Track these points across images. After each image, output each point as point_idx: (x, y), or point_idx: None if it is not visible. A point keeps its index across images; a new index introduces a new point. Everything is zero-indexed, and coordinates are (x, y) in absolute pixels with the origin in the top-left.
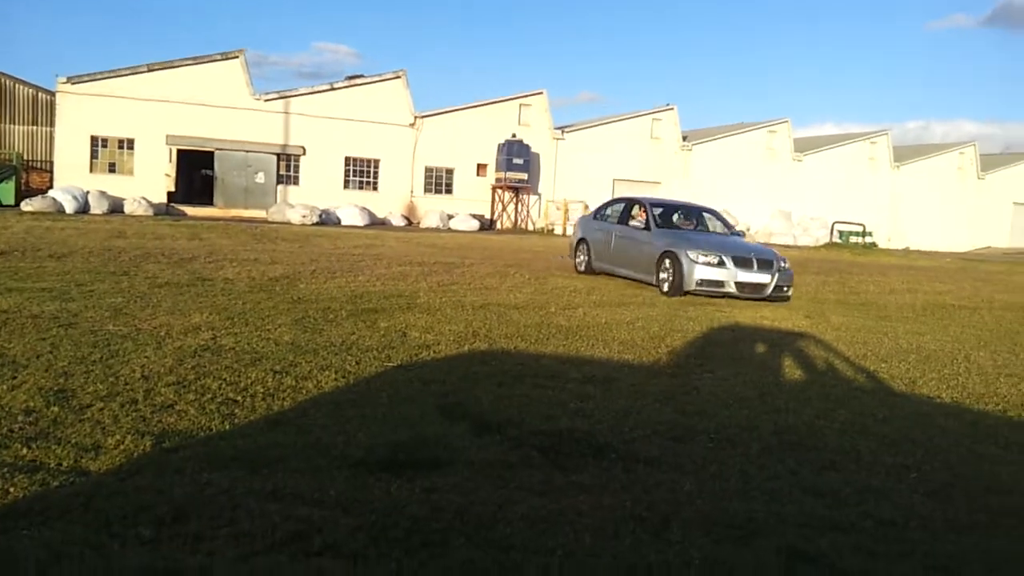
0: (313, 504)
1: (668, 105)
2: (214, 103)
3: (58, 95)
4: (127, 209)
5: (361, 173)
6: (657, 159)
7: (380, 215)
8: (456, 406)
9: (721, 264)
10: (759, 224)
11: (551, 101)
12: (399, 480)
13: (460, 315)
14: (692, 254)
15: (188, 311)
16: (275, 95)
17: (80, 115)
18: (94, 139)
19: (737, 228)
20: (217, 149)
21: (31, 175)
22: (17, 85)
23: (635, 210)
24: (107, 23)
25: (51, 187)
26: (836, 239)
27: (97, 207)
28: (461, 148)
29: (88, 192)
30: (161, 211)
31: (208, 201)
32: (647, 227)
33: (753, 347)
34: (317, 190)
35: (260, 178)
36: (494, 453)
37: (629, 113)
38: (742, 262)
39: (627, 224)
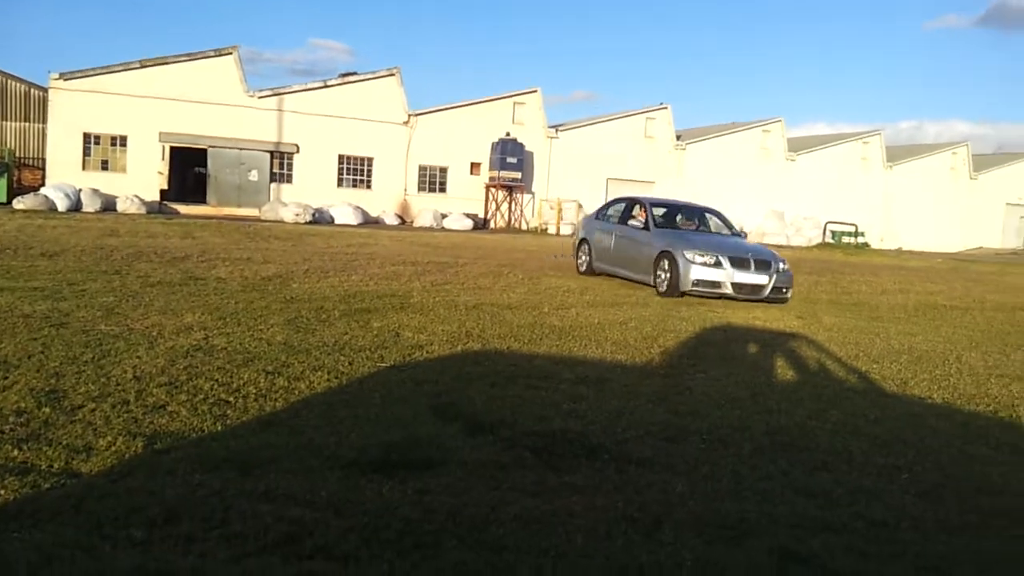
0: (305, 505)
1: (662, 104)
2: (207, 100)
3: (50, 91)
4: (120, 207)
5: (355, 171)
6: (651, 158)
7: (373, 214)
8: (449, 407)
9: (718, 265)
10: (752, 224)
11: (545, 99)
12: (391, 481)
13: (453, 315)
14: (688, 254)
15: (180, 311)
16: (269, 92)
17: (73, 112)
18: (87, 136)
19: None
20: (210, 147)
21: (23, 172)
22: (9, 81)
23: (635, 210)
24: (100, 19)
25: (43, 184)
26: (829, 239)
27: (89, 205)
28: (455, 147)
29: (80, 190)
30: (154, 209)
31: (201, 199)
32: (646, 227)
33: (745, 347)
34: (310, 188)
35: (253, 176)
36: (487, 454)
37: (623, 112)
38: (739, 263)
39: (627, 224)
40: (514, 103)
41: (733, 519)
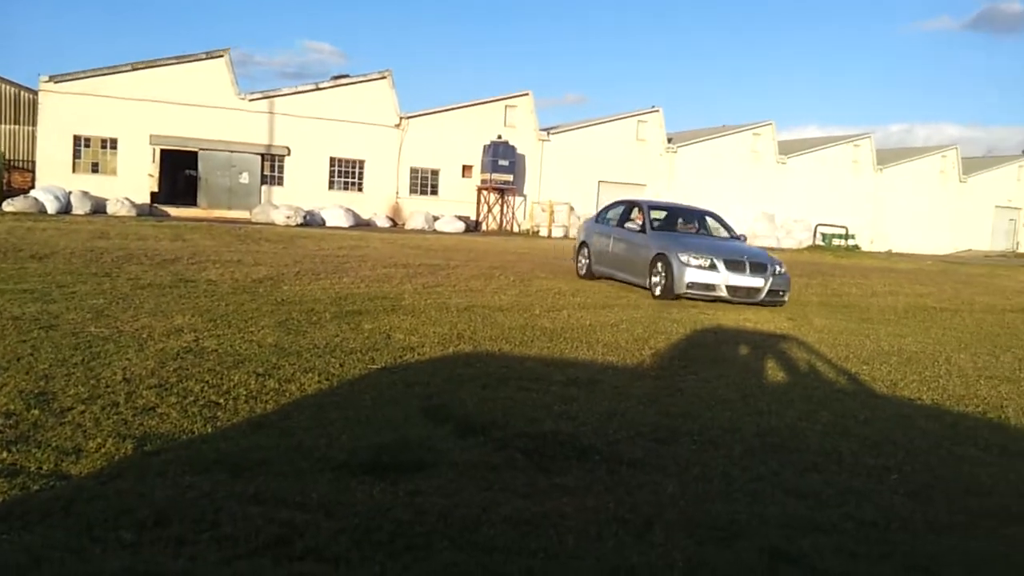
0: (296, 507)
1: (653, 107)
2: (198, 103)
3: (40, 94)
4: (110, 209)
5: (346, 174)
6: (642, 161)
7: (365, 216)
8: (440, 408)
9: (712, 267)
10: (743, 226)
11: (537, 102)
12: (382, 483)
13: (445, 317)
14: (683, 257)
15: (170, 313)
16: (260, 95)
17: (63, 114)
18: (77, 139)
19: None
20: (201, 149)
21: (13, 175)
22: None
23: (634, 213)
24: (90, 22)
25: (33, 187)
26: (819, 241)
27: (80, 207)
28: (446, 149)
29: (71, 192)
30: (144, 212)
31: (192, 202)
32: (643, 230)
33: (736, 349)
34: (301, 191)
35: (244, 178)
36: (478, 455)
37: (615, 115)
38: (734, 265)
39: (624, 227)
40: (505, 106)
41: (724, 520)
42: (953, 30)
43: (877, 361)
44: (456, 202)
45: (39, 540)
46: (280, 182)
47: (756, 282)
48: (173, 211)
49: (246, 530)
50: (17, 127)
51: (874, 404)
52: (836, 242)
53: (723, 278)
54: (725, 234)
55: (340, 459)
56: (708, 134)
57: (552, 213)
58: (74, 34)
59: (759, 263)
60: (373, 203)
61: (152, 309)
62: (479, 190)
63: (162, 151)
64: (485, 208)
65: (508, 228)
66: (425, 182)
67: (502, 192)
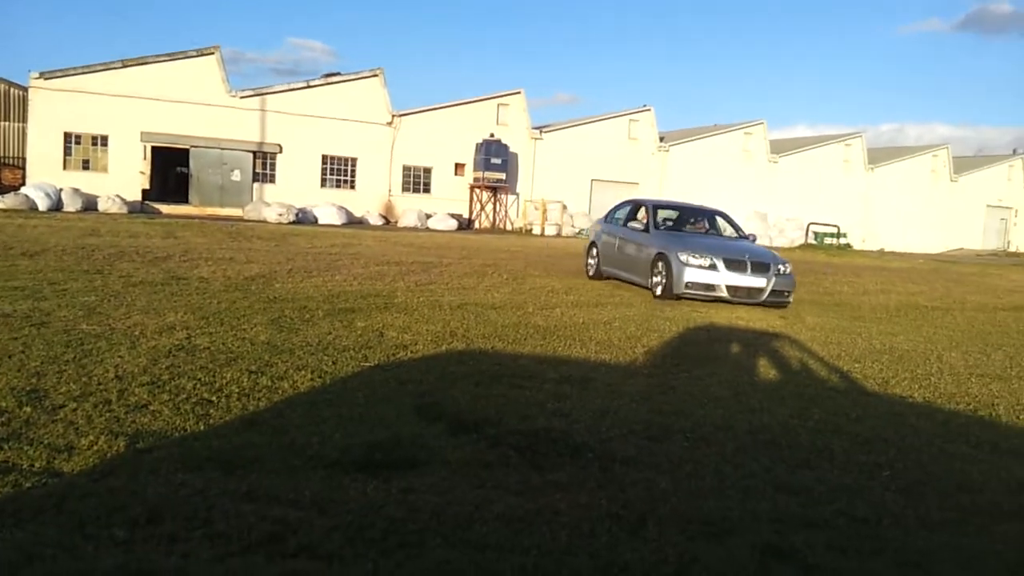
0: (288, 505)
1: (645, 106)
2: (189, 100)
3: (30, 90)
4: (101, 207)
5: (338, 172)
6: (635, 160)
7: (357, 214)
8: (433, 406)
9: (713, 267)
10: None
11: (529, 101)
12: (375, 480)
13: (437, 315)
14: (683, 256)
15: (163, 310)
16: (251, 92)
17: (53, 111)
18: (67, 135)
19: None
20: (192, 146)
21: (3, 172)
22: None
23: (640, 212)
24: (80, 18)
25: (23, 184)
26: (811, 240)
27: (70, 204)
28: (439, 147)
29: (61, 189)
30: (135, 209)
31: (183, 199)
32: (646, 229)
33: (728, 347)
34: (294, 188)
35: (236, 176)
36: (471, 453)
37: (607, 114)
38: (734, 265)
39: (629, 227)
40: (498, 104)
41: (716, 516)
42: (943, 31)
43: (869, 359)
44: (449, 200)
45: (31, 537)
46: (272, 180)
47: (758, 282)
48: (165, 208)
49: (239, 527)
50: (7, 124)
51: (866, 402)
52: (828, 241)
53: (723, 278)
54: (733, 234)
55: (333, 457)
56: (700, 133)
57: (545, 211)
58: (64, 30)
59: (761, 263)
60: (365, 201)
61: (144, 306)
62: (472, 188)
63: (153, 148)
64: (478, 206)
65: (501, 226)
66: (418, 180)
67: (495, 190)
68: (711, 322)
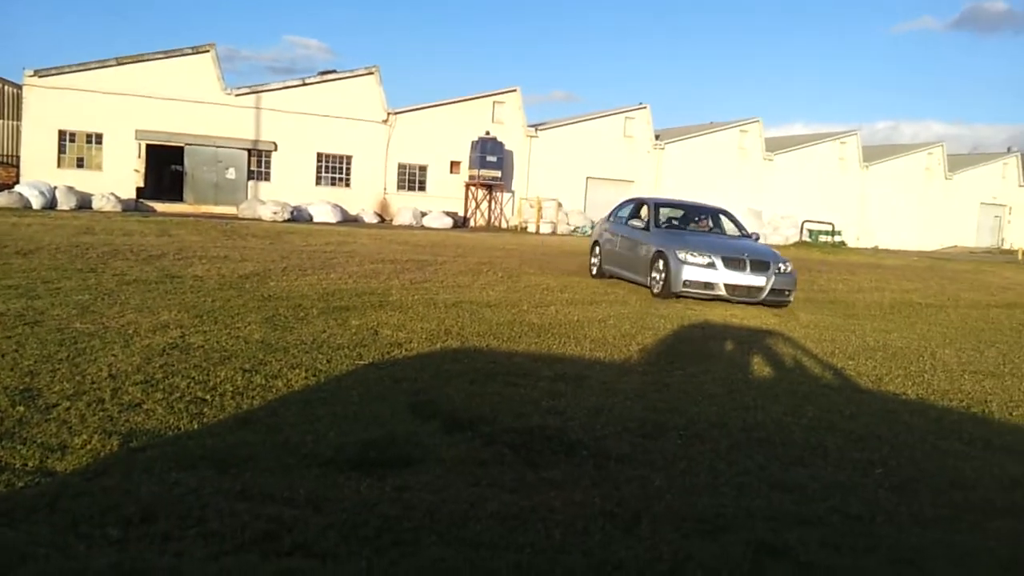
0: (283, 503)
1: (641, 104)
2: (184, 97)
3: (25, 88)
4: (95, 205)
5: (333, 169)
6: (630, 158)
7: (352, 212)
8: (428, 404)
9: (711, 265)
10: None
11: (525, 98)
12: (370, 478)
13: (432, 313)
14: (681, 254)
15: (156, 309)
16: (246, 90)
17: (47, 109)
18: (62, 133)
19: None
20: (187, 144)
21: None
22: None
23: (642, 211)
24: (75, 16)
25: (17, 182)
26: (806, 238)
27: (65, 203)
28: (434, 145)
29: (56, 187)
30: (130, 207)
31: (178, 197)
32: (647, 227)
33: (723, 344)
34: (289, 186)
35: (231, 174)
36: (466, 451)
37: (603, 112)
38: (733, 263)
39: (630, 225)
40: (493, 102)
41: (710, 513)
42: (938, 29)
43: (863, 356)
44: (444, 198)
45: (24, 537)
46: (267, 177)
47: (757, 281)
48: (159, 206)
49: (233, 526)
50: (1, 122)
51: (859, 399)
52: (823, 238)
53: (722, 276)
54: (736, 232)
55: (327, 455)
56: (695, 131)
57: (540, 209)
58: (58, 28)
59: (760, 261)
60: (361, 199)
61: (138, 305)
62: (467, 186)
63: (148, 146)
64: (473, 204)
65: (496, 224)
66: (413, 178)
67: (490, 188)
68: (706, 320)
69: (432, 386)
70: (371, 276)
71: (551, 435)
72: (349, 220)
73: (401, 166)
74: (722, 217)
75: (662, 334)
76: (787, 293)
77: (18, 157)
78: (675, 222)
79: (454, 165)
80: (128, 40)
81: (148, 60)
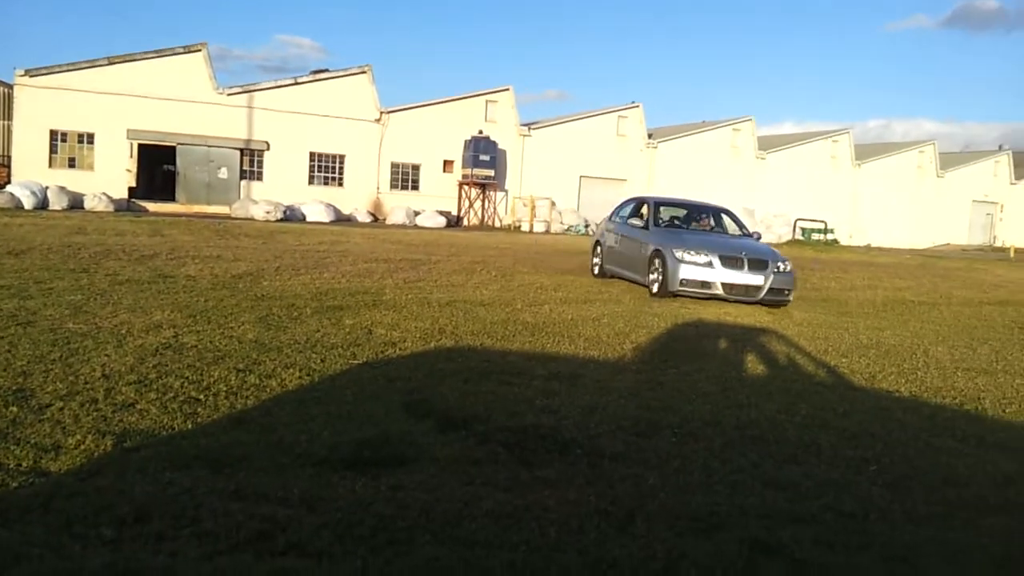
0: (277, 503)
1: (633, 103)
2: (176, 97)
3: (15, 88)
4: (87, 205)
5: (326, 169)
6: (623, 156)
7: (346, 211)
8: (422, 403)
9: (709, 264)
10: None
11: (518, 97)
12: (364, 478)
13: (426, 312)
14: (678, 253)
15: (150, 309)
16: (238, 89)
17: (38, 109)
18: (53, 133)
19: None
20: (179, 144)
21: None
22: None
23: (642, 210)
24: (65, 15)
25: (8, 182)
26: (799, 236)
27: (56, 203)
28: (428, 144)
29: (47, 187)
30: (122, 207)
31: (170, 197)
32: (646, 226)
33: (716, 343)
34: (281, 186)
35: (223, 173)
36: (460, 450)
37: (595, 110)
38: (731, 262)
39: (629, 224)
40: (486, 101)
41: (704, 511)
42: (930, 28)
43: (856, 354)
44: (437, 197)
45: (18, 537)
46: (260, 177)
47: (755, 280)
48: (151, 206)
49: (227, 526)
50: None
51: (853, 397)
52: (816, 237)
53: (719, 275)
54: (737, 231)
55: (321, 454)
56: (688, 130)
57: (533, 208)
58: (47, 26)
59: (759, 260)
60: (354, 198)
61: (131, 305)
62: (460, 185)
63: (140, 146)
64: (466, 203)
65: (489, 223)
66: (406, 177)
67: (483, 187)
68: (699, 318)
69: (426, 385)
70: (365, 275)
71: (545, 434)
72: (342, 219)
73: (394, 165)
74: (723, 216)
75: (656, 332)
76: (786, 292)
77: (9, 157)
78: (676, 221)
79: (447, 164)
80: (118, 39)
81: (139, 60)
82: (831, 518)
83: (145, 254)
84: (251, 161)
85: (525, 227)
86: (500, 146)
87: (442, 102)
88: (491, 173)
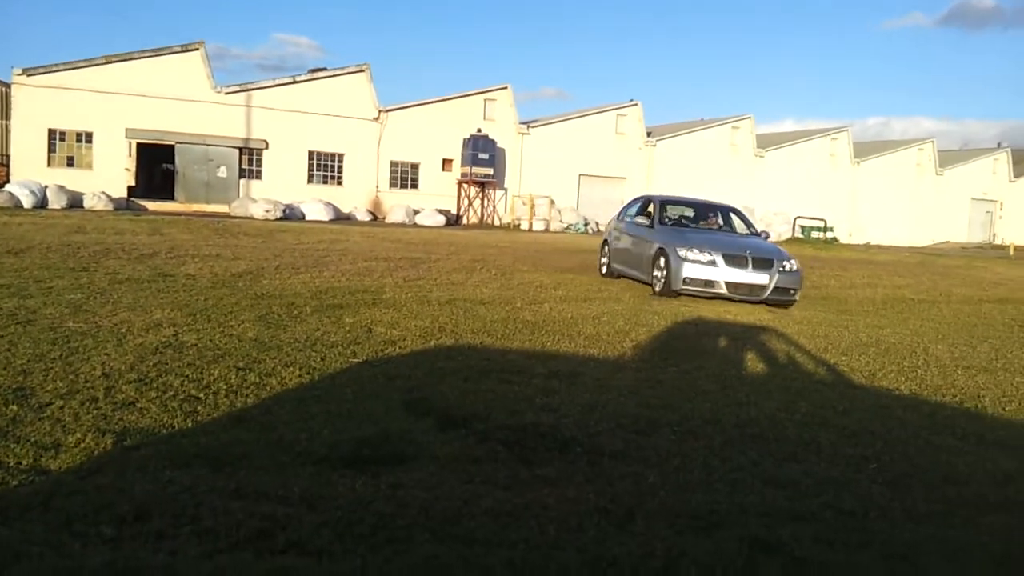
0: (277, 501)
1: (632, 101)
2: (174, 96)
3: (13, 87)
4: (86, 204)
5: (325, 167)
6: (622, 154)
7: (345, 210)
8: (422, 401)
9: (712, 263)
10: None
11: (516, 95)
12: (364, 476)
13: (426, 310)
14: (681, 251)
15: (149, 307)
16: (237, 88)
17: (37, 108)
18: (51, 132)
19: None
20: (178, 143)
21: None
22: None
23: (649, 208)
24: (62, 14)
25: (7, 181)
26: (798, 234)
27: (55, 202)
28: (426, 143)
29: (46, 187)
30: (121, 206)
31: (169, 196)
32: (651, 225)
33: (716, 341)
34: (280, 184)
35: (222, 172)
36: (459, 448)
37: (594, 108)
38: (734, 260)
39: (636, 223)
40: (485, 99)
41: (704, 510)
42: (927, 26)
43: (856, 352)
44: (436, 196)
45: (18, 535)
46: (259, 176)
47: (759, 279)
48: (150, 205)
49: (227, 524)
50: None
51: (852, 394)
52: (815, 235)
53: (722, 274)
54: (745, 230)
55: (321, 453)
56: (687, 128)
57: (533, 206)
58: (44, 25)
59: (763, 259)
60: (353, 197)
61: (131, 304)
62: (459, 183)
63: (138, 145)
64: (465, 202)
65: (489, 222)
66: (405, 176)
67: (482, 185)
68: (699, 316)
69: (426, 384)
70: (364, 274)
71: (545, 432)
72: (341, 218)
73: (393, 164)
74: (732, 215)
75: (656, 330)
76: (792, 292)
77: (8, 156)
78: (683, 220)
79: (446, 163)
80: (116, 38)
81: (137, 58)
82: (831, 516)
83: (145, 253)
84: (250, 160)
85: (524, 225)
86: (499, 144)
87: (441, 101)
88: (490, 171)
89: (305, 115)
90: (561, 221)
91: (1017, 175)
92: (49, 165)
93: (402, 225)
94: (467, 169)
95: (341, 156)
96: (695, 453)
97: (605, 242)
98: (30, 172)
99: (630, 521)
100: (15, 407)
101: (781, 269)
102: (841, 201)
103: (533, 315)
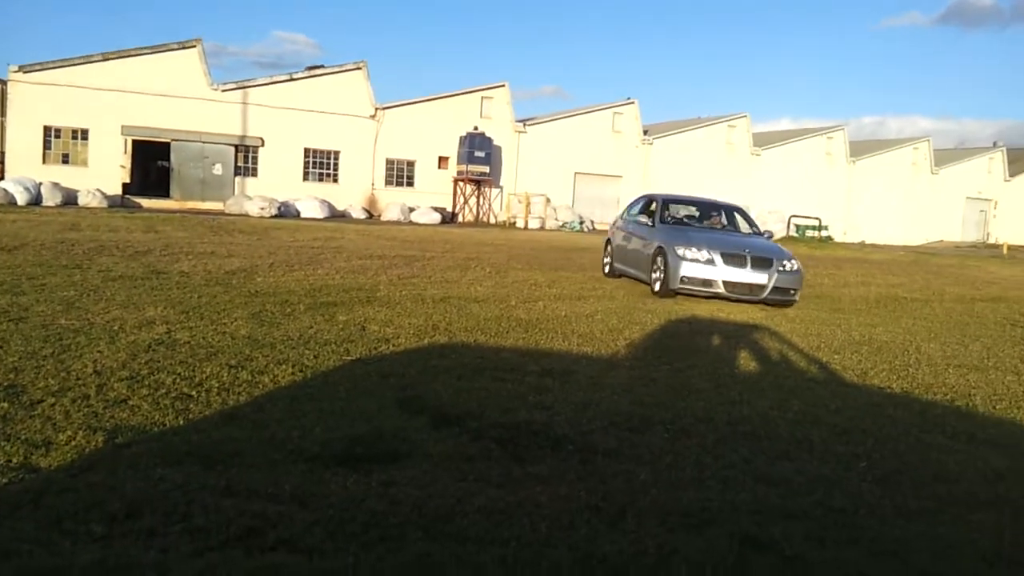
0: (268, 499)
1: (629, 99)
2: (170, 93)
3: (9, 84)
4: (81, 201)
5: (321, 165)
6: (618, 153)
7: (340, 208)
8: (415, 399)
9: (710, 262)
10: None
11: (513, 93)
12: (356, 474)
13: (420, 309)
14: (679, 250)
15: (142, 305)
16: (233, 85)
17: (32, 105)
18: (47, 129)
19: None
20: (173, 140)
21: None
22: None
23: (651, 207)
24: (60, 12)
25: (2, 178)
26: (793, 233)
27: (50, 199)
28: (422, 140)
29: (41, 183)
30: (116, 203)
31: (164, 193)
32: (652, 224)
33: (709, 339)
34: (276, 182)
35: (217, 169)
36: (452, 446)
37: (591, 107)
38: (733, 259)
39: (637, 222)
40: (482, 97)
41: (696, 507)
42: (924, 25)
43: (848, 350)
44: (432, 193)
45: (8, 533)
46: (254, 173)
47: (758, 278)
48: (145, 202)
49: (218, 522)
50: None
51: (844, 393)
52: (810, 233)
53: (720, 273)
54: (748, 230)
55: (313, 451)
56: (683, 126)
57: (528, 204)
58: (40, 22)
59: (762, 258)
60: (348, 194)
61: (124, 301)
62: (455, 181)
63: (134, 142)
64: (461, 199)
65: (484, 219)
66: (401, 173)
67: (478, 183)
68: (693, 315)
69: (419, 381)
70: (358, 272)
71: (538, 430)
72: (337, 216)
73: (389, 161)
74: (735, 214)
75: (649, 329)
76: (792, 292)
77: (3, 153)
78: (685, 219)
79: (442, 160)
80: (113, 35)
81: (134, 55)
82: (822, 514)
83: (138, 250)
84: (245, 157)
85: (520, 224)
86: (495, 142)
87: (437, 98)
88: (486, 169)
89: (301, 112)
90: (557, 219)
91: (1012, 174)
92: (44, 162)
93: (397, 223)
94: (463, 167)
95: (337, 153)
96: (687, 451)
97: (608, 241)
98: (25, 169)
99: (621, 519)
100: (6, 404)
101: (781, 268)
102: (836, 200)
103: (527, 313)
